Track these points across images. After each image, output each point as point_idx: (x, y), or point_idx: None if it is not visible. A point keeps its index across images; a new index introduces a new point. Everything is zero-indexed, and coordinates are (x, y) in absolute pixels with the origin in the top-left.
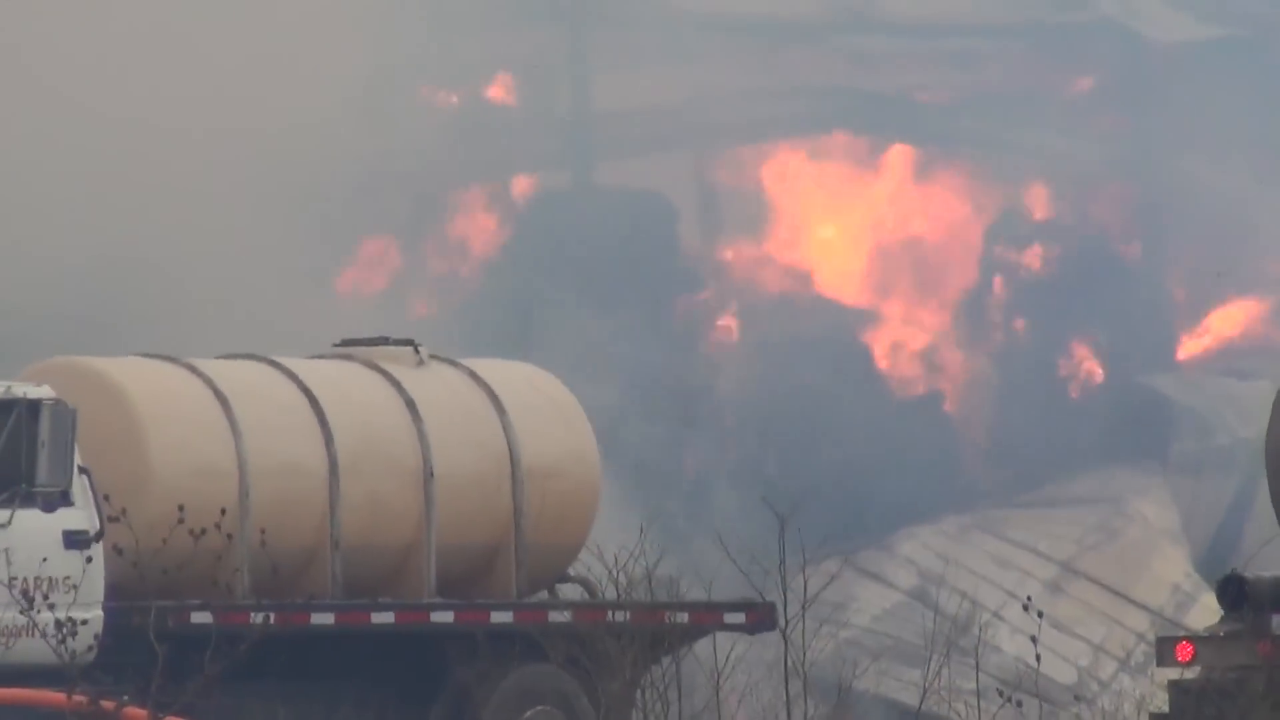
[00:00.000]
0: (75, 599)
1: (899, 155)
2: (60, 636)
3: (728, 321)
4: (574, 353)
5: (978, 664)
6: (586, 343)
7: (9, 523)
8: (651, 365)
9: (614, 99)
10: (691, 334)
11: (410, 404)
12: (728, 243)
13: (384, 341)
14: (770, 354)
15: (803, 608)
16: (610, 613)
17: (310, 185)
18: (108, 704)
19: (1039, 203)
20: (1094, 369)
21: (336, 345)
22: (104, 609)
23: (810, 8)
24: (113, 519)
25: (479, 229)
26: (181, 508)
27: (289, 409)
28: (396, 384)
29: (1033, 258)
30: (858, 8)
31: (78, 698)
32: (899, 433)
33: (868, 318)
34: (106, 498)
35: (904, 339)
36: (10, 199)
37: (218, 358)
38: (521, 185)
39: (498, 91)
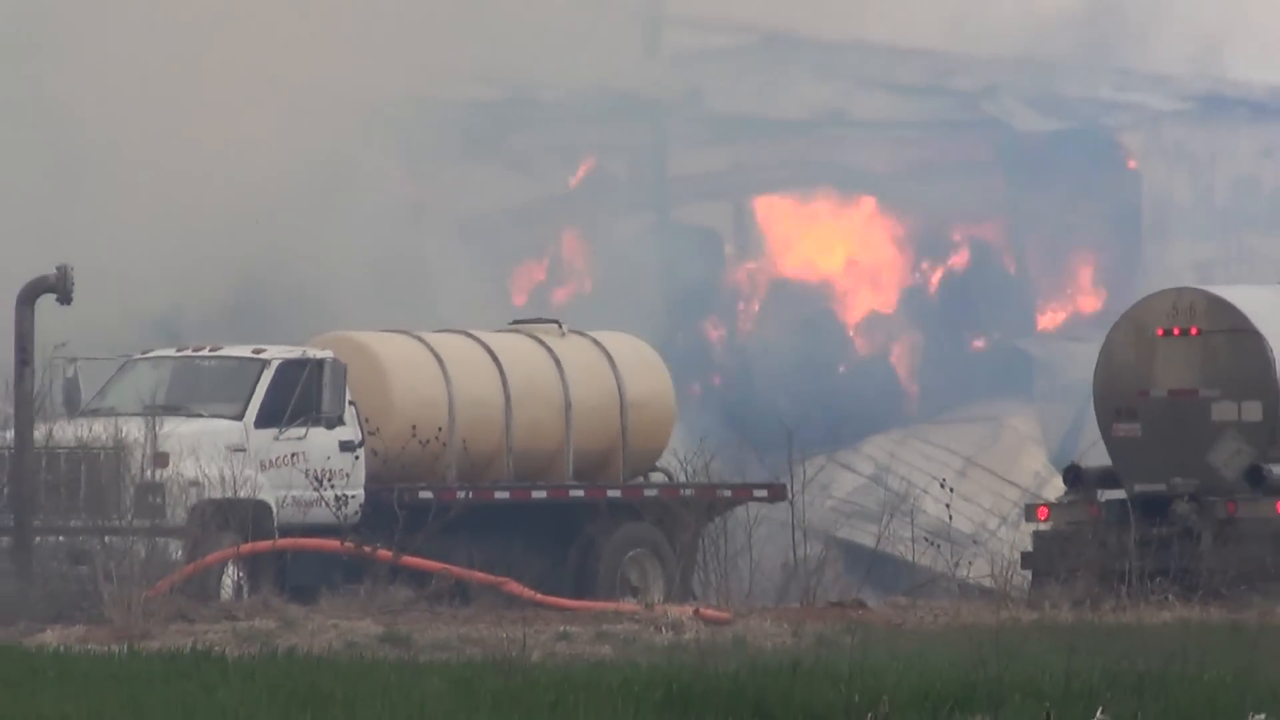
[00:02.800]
0: (347, 483)
1: (865, 202)
2: (337, 507)
3: (754, 306)
4: (657, 327)
5: (913, 521)
6: (663, 322)
7: (305, 436)
8: (706, 336)
9: (684, 166)
10: (730, 315)
11: (556, 360)
12: (753, 256)
13: (539, 321)
14: (782, 328)
15: (803, 487)
16: (682, 490)
17: (489, 220)
18: (367, 548)
19: (953, 231)
20: (986, 335)
21: (509, 324)
22: (365, 489)
23: (806, 110)
24: (370, 433)
25: (598, 247)
26: (414, 427)
27: (480, 364)
28: (548, 348)
29: (948, 265)
30: (837, 110)
31: (348, 544)
32: (863, 376)
33: (842, 303)
34: (366, 419)
35: (865, 317)
36: (282, 203)
37: (434, 331)
38: (622, 222)
39: (607, 162)
